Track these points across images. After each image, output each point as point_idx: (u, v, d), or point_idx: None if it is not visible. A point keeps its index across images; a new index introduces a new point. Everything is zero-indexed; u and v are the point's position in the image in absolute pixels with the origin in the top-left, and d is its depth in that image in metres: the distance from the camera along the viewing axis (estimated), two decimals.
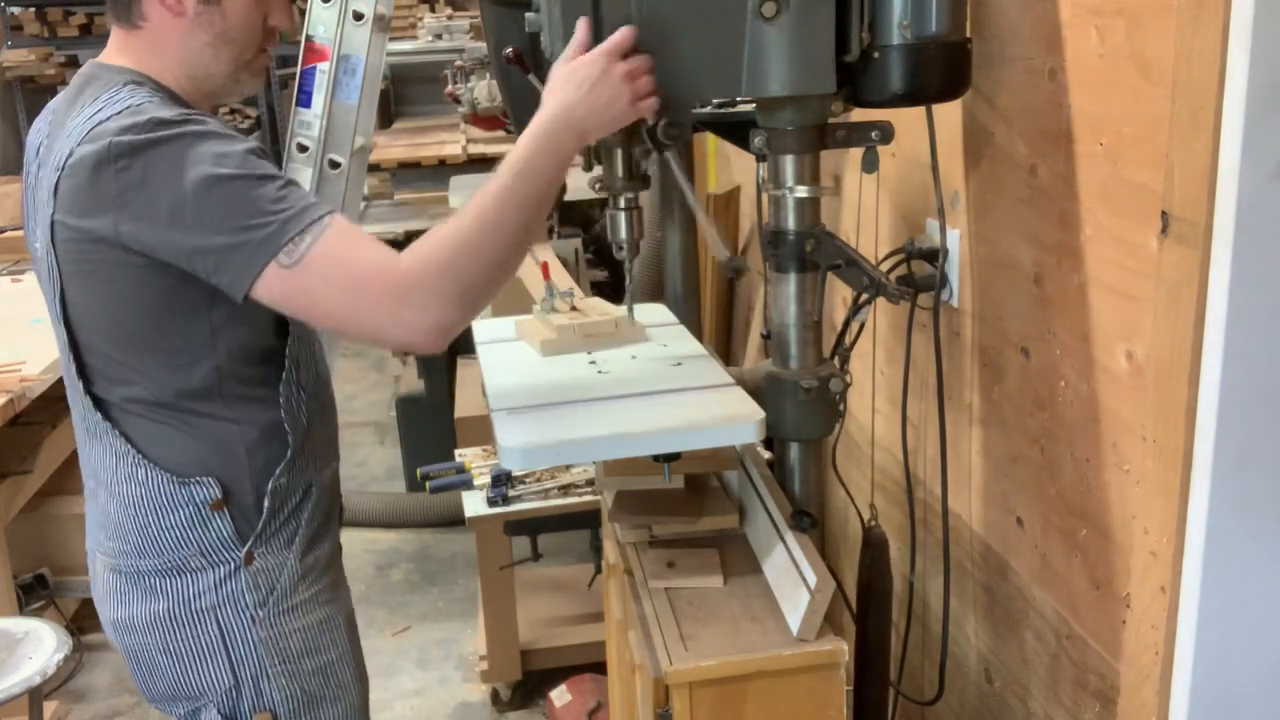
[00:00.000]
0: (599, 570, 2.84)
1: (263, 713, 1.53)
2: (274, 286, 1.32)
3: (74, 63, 7.57)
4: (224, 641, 1.51)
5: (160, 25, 1.44)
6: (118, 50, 1.49)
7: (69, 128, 1.40)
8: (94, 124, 1.36)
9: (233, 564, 1.50)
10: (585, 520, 2.77)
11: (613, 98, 1.38)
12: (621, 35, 1.41)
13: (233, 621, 1.51)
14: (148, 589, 1.51)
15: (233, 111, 7.83)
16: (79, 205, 1.36)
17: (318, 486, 1.59)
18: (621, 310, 1.79)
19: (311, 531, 1.57)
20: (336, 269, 1.31)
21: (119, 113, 1.36)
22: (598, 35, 1.46)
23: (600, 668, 2.56)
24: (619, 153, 1.59)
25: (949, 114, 1.73)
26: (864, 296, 1.65)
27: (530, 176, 1.34)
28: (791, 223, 1.64)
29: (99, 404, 1.47)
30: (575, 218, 3.90)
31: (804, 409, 1.67)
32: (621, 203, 1.59)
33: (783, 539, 1.59)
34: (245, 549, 1.50)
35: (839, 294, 2.24)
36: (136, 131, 1.33)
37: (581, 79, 1.38)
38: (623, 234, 1.61)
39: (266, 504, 1.51)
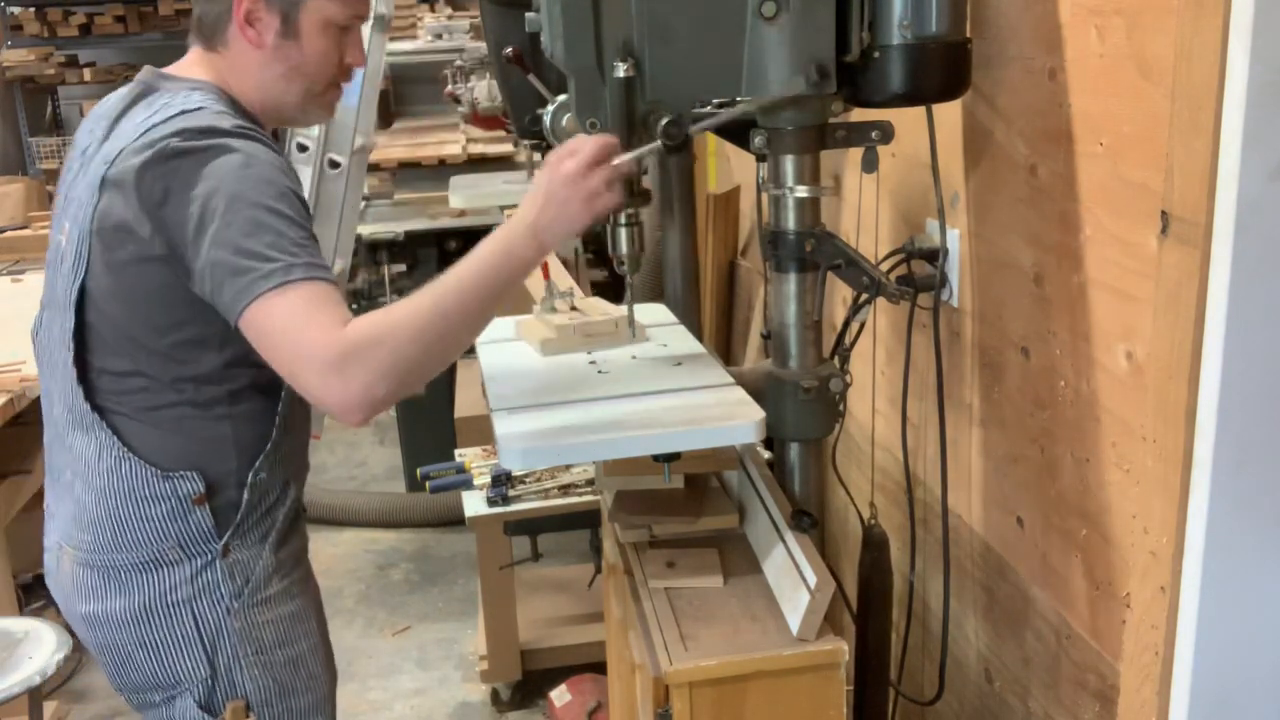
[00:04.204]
0: (599, 570, 2.84)
1: (236, 700, 1.56)
2: (255, 319, 1.35)
3: (74, 63, 7.54)
4: (199, 632, 1.54)
5: (240, 52, 1.53)
6: (194, 64, 1.56)
7: (122, 129, 1.46)
8: (149, 125, 1.42)
9: (210, 555, 1.54)
10: (585, 520, 2.76)
11: (565, 202, 1.37)
12: (593, 145, 1.39)
13: (208, 612, 1.54)
14: (122, 583, 1.53)
15: None
16: (123, 201, 1.41)
17: (295, 486, 1.64)
18: (621, 310, 1.79)
19: (285, 528, 1.61)
20: (294, 321, 1.34)
21: (175, 115, 1.42)
22: (598, 38, 1.46)
23: (600, 668, 2.56)
24: None
25: (949, 114, 1.73)
26: (864, 296, 1.65)
27: (487, 275, 1.38)
28: (791, 223, 1.64)
29: (90, 393, 1.50)
30: None
31: (804, 409, 1.67)
32: (623, 218, 1.58)
33: (783, 539, 1.59)
34: (223, 541, 1.54)
35: (839, 294, 2.24)
36: (188, 137, 1.39)
37: (543, 187, 1.39)
38: (624, 249, 1.60)
39: (246, 497, 1.54)
